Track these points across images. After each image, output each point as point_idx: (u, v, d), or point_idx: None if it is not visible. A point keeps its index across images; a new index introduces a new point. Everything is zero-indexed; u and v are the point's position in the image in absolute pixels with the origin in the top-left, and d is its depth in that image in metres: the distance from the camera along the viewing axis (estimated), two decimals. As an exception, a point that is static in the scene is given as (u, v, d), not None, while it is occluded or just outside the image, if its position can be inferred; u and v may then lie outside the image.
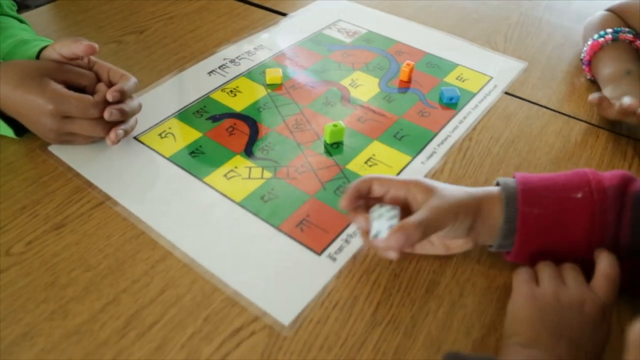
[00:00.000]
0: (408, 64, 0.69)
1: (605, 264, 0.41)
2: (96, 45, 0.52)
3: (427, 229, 0.39)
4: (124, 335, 0.41)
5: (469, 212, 0.42)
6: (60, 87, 0.51)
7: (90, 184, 0.53)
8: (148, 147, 0.57)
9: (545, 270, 0.42)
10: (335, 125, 0.58)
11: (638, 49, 0.68)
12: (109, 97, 0.51)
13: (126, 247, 0.47)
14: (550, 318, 0.38)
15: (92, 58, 0.56)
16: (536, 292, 0.41)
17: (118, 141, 0.54)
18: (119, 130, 0.53)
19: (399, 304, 0.44)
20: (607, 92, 0.64)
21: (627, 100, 0.58)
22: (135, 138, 0.58)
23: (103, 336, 0.41)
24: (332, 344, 0.41)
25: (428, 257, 0.48)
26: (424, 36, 0.79)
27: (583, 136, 0.63)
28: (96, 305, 0.43)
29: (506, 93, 0.69)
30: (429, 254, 0.47)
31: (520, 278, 0.43)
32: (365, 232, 0.43)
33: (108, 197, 0.52)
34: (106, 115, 0.52)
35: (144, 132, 0.59)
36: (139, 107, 0.56)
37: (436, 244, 0.46)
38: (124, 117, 0.53)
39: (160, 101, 0.64)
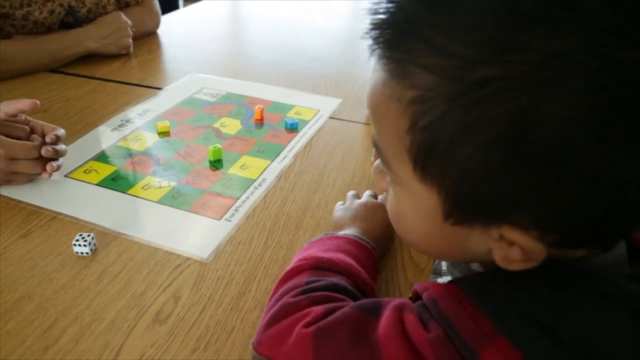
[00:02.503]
0: (259, 107, 0.98)
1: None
2: (38, 101, 0.73)
3: None
4: (99, 283, 0.59)
5: None
6: (6, 137, 0.70)
7: (40, 208, 0.71)
8: (77, 179, 0.77)
9: (348, 195, 0.71)
10: (215, 147, 0.83)
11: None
12: (48, 139, 0.71)
13: (83, 237, 0.66)
14: (349, 214, 0.65)
15: (28, 117, 0.76)
16: (341, 206, 0.68)
17: (51, 174, 0.73)
18: (53, 164, 0.72)
19: (280, 235, 0.69)
20: None
21: None
22: (65, 176, 0.77)
23: (83, 286, 0.59)
24: (241, 261, 0.64)
25: (295, 207, 0.74)
26: (268, 91, 1.10)
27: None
28: (72, 272, 0.61)
29: (330, 117, 1.01)
30: None
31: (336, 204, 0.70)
32: None
33: (59, 213, 0.70)
34: (43, 152, 0.71)
35: (71, 171, 0.78)
36: (66, 151, 0.76)
37: None
38: (56, 155, 0.73)
39: (78, 152, 0.83)
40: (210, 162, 0.83)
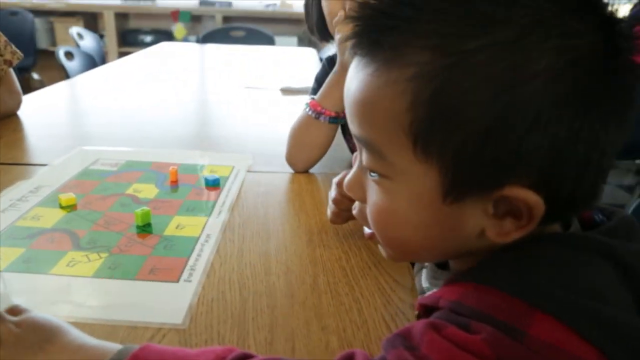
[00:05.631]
0: (173, 168, 0.90)
1: None
2: None
3: None
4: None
5: None
6: None
7: None
8: (-24, 270, 0.60)
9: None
10: (143, 210, 0.73)
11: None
12: None
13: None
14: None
15: None
16: None
17: None
18: None
19: (253, 284, 0.61)
20: None
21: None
22: (-43, 268, 0.60)
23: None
24: (224, 318, 0.55)
25: (255, 255, 0.67)
26: (171, 155, 1.02)
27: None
28: None
29: (249, 171, 0.96)
30: None
31: None
32: None
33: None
34: None
35: (-38, 262, 0.62)
36: None
37: None
38: None
39: (-36, 240, 0.66)
40: (139, 227, 0.72)
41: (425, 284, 0.57)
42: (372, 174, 0.42)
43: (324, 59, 1.02)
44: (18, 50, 1.23)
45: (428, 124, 0.36)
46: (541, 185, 0.36)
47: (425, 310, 0.43)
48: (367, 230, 0.51)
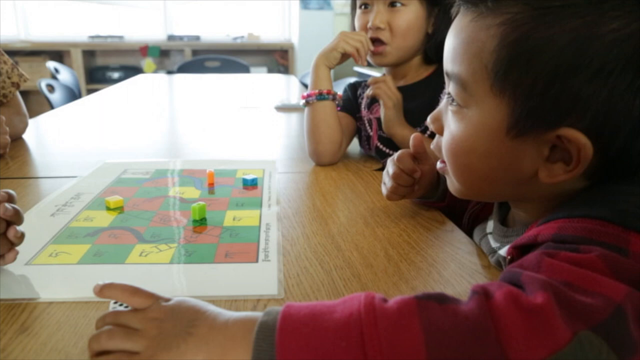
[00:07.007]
0: (210, 171, 0.90)
1: None
2: None
3: None
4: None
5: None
6: None
7: (18, 300, 0.52)
8: (47, 264, 0.59)
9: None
10: (199, 204, 0.73)
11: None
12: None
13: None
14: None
15: None
16: None
17: (15, 256, 0.56)
18: (17, 228, 0.55)
19: (330, 259, 0.62)
20: None
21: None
22: (26, 264, 0.59)
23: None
24: (317, 287, 0.55)
25: (322, 237, 0.68)
26: (200, 163, 1.02)
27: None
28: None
29: (279, 173, 0.98)
30: None
31: None
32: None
33: (52, 300, 0.52)
34: (2, 210, 0.53)
35: (31, 258, 0.60)
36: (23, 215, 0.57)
37: None
38: (16, 218, 0.55)
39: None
40: (195, 221, 0.73)
41: (494, 244, 0.60)
42: (453, 104, 0.49)
43: (345, 85, 1.13)
44: (25, 73, 1.22)
45: (507, 63, 0.43)
46: (594, 132, 0.41)
47: (520, 252, 0.46)
48: (439, 164, 0.57)
